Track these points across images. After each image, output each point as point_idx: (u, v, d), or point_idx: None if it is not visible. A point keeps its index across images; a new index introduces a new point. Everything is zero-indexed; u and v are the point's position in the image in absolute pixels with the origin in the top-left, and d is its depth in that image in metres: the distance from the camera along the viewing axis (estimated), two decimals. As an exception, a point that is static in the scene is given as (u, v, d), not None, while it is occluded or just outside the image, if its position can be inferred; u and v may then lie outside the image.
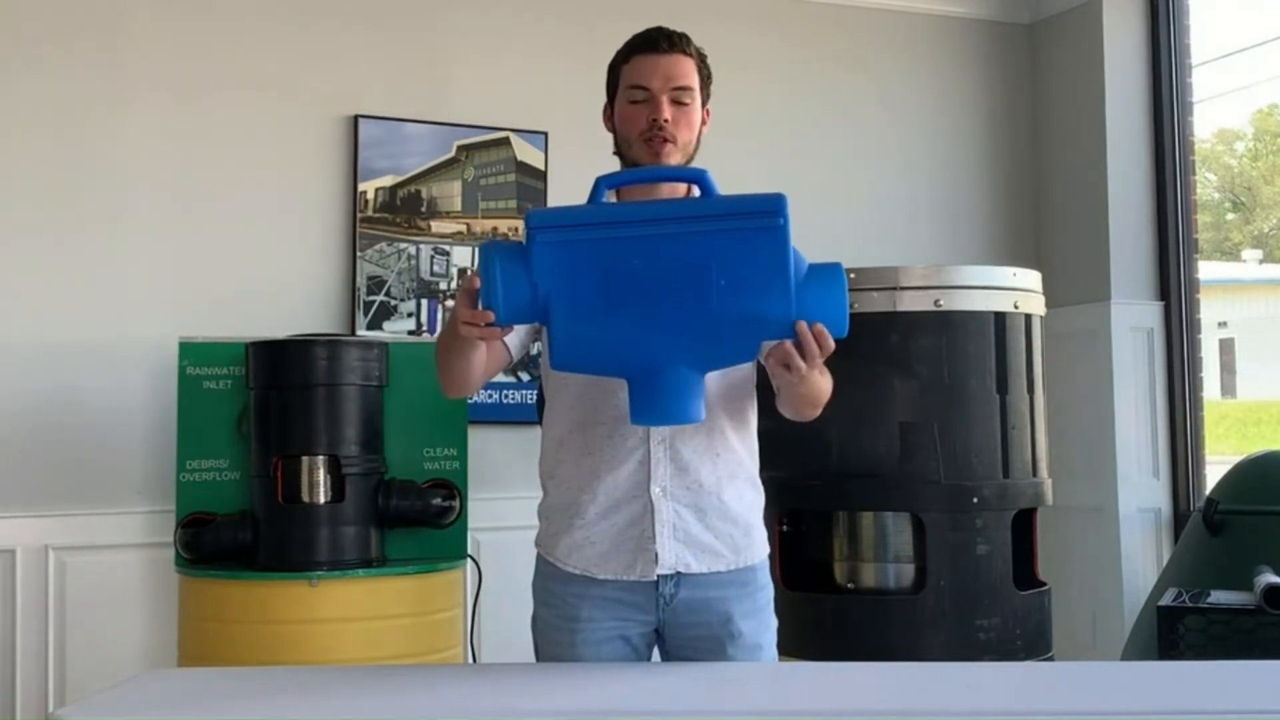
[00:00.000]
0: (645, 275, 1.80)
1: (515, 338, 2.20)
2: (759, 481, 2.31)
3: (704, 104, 2.29)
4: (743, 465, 2.26)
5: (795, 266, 1.82)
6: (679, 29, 2.34)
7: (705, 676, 2.01)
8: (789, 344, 1.90)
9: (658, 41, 2.25)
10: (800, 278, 1.82)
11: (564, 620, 2.21)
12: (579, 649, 2.19)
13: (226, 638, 3.27)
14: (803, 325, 1.87)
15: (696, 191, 1.98)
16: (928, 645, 3.21)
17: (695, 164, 2.26)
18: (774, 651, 2.29)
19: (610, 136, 2.32)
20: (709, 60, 2.32)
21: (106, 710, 1.79)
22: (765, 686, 1.95)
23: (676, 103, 2.23)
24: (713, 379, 2.19)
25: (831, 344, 1.92)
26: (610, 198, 2.00)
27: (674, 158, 2.22)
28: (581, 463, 2.19)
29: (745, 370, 2.25)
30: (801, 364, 1.91)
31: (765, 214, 1.81)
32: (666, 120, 2.20)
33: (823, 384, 2.14)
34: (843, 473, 3.32)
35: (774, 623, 2.30)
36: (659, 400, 1.84)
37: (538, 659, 2.26)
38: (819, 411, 2.21)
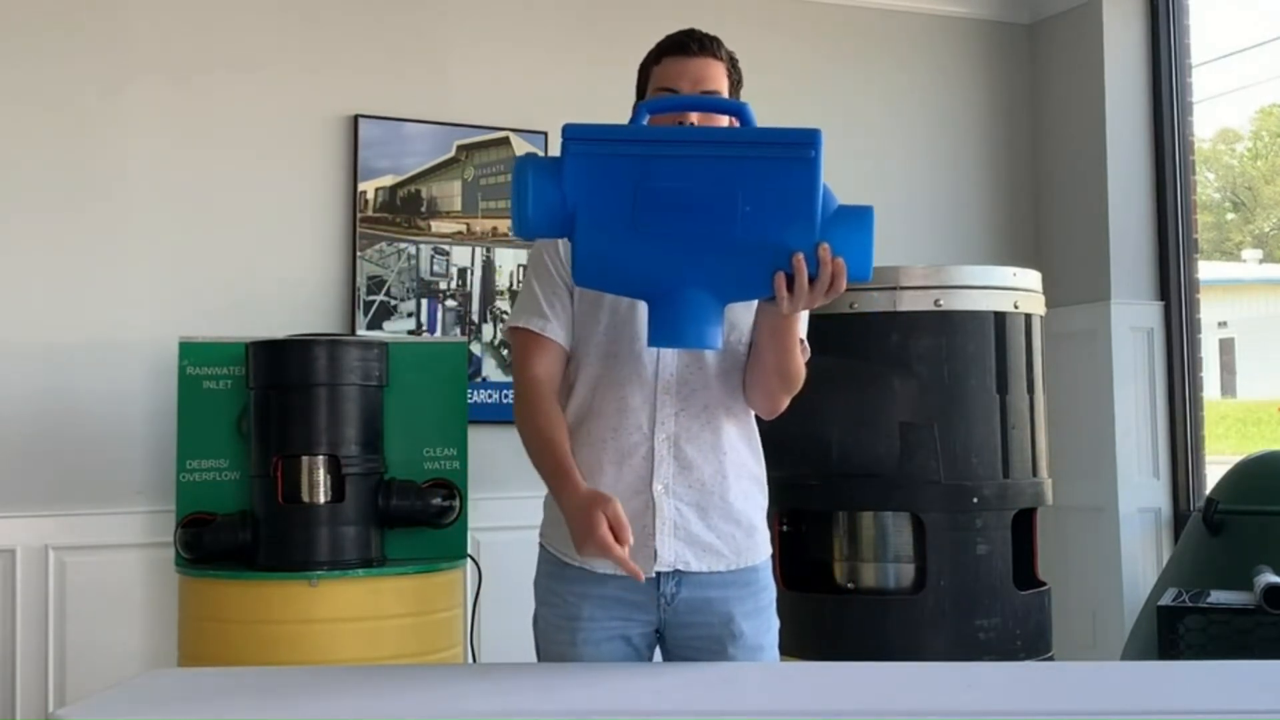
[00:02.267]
0: (672, 194, 1.82)
1: (564, 332, 2.21)
2: (764, 482, 2.31)
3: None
4: (746, 465, 2.26)
5: (824, 204, 1.83)
6: (675, 26, 2.33)
7: (705, 676, 2.01)
8: (799, 260, 1.86)
9: (687, 44, 2.24)
10: (828, 215, 1.84)
11: (565, 619, 2.21)
12: (580, 648, 2.19)
13: (226, 638, 3.27)
14: (825, 248, 1.87)
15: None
16: (928, 645, 3.21)
17: None
18: (775, 653, 2.29)
19: None
20: (739, 68, 2.31)
21: (106, 710, 1.79)
22: (765, 686, 1.95)
23: None
24: (720, 378, 2.20)
25: (844, 285, 1.90)
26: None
27: None
28: (585, 457, 2.19)
29: (748, 339, 2.24)
30: (805, 288, 1.88)
31: (797, 145, 1.84)
32: (694, 124, 2.17)
33: (799, 362, 2.14)
34: (843, 473, 3.32)
35: (776, 623, 2.29)
36: (676, 322, 1.86)
37: (539, 658, 2.26)
38: (788, 398, 2.20)
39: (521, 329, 2.22)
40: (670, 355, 2.19)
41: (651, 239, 1.83)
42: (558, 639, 2.23)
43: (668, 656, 2.25)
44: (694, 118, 2.15)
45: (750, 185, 1.81)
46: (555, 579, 2.24)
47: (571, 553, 2.20)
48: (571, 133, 1.86)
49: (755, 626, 2.23)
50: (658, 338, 1.89)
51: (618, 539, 1.95)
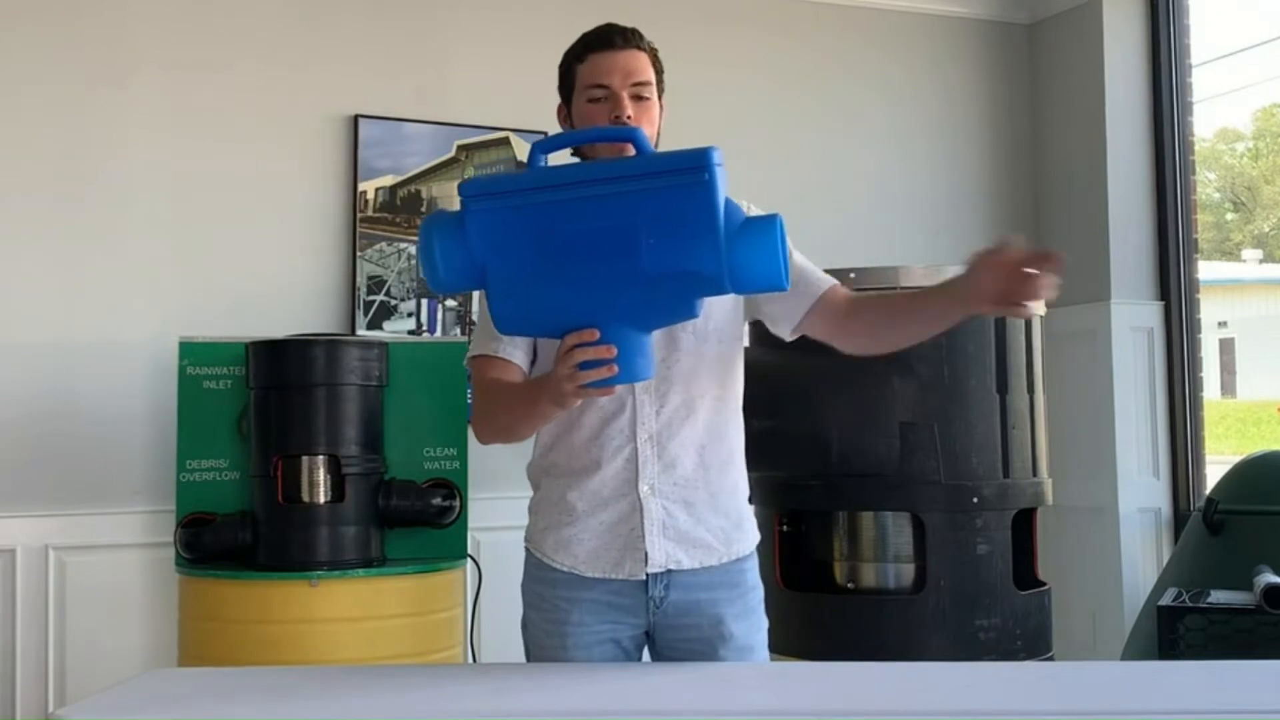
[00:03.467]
0: (575, 237, 1.81)
1: (521, 354, 2.20)
2: (743, 465, 2.30)
3: (659, 97, 2.26)
4: (733, 453, 2.26)
5: (729, 219, 1.81)
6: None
7: (705, 676, 2.01)
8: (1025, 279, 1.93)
9: (612, 39, 2.22)
10: (734, 230, 1.81)
11: (554, 624, 2.20)
12: (570, 653, 2.19)
13: (226, 638, 3.27)
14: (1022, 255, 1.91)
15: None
16: (928, 645, 3.21)
17: None
18: (765, 653, 2.29)
19: None
20: (660, 59, 2.29)
21: (106, 710, 1.79)
22: (764, 686, 1.95)
23: (636, 98, 2.20)
24: (698, 369, 2.19)
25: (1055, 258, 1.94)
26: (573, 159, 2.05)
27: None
28: (570, 461, 2.19)
29: (730, 351, 2.24)
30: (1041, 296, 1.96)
31: (690, 170, 1.81)
32: (629, 116, 2.18)
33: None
34: (843, 473, 3.32)
35: (765, 623, 2.29)
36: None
37: (528, 661, 2.26)
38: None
39: (478, 356, 2.22)
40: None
41: (563, 283, 1.83)
42: (547, 644, 2.22)
43: (657, 659, 2.24)
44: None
45: (650, 216, 1.80)
46: (543, 583, 2.23)
47: (558, 557, 2.20)
48: (468, 189, 1.87)
49: (745, 628, 2.23)
50: (595, 381, 1.86)
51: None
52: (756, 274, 1.83)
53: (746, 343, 2.34)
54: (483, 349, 2.21)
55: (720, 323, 2.22)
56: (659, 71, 2.26)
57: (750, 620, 2.25)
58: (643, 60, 2.22)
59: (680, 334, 2.18)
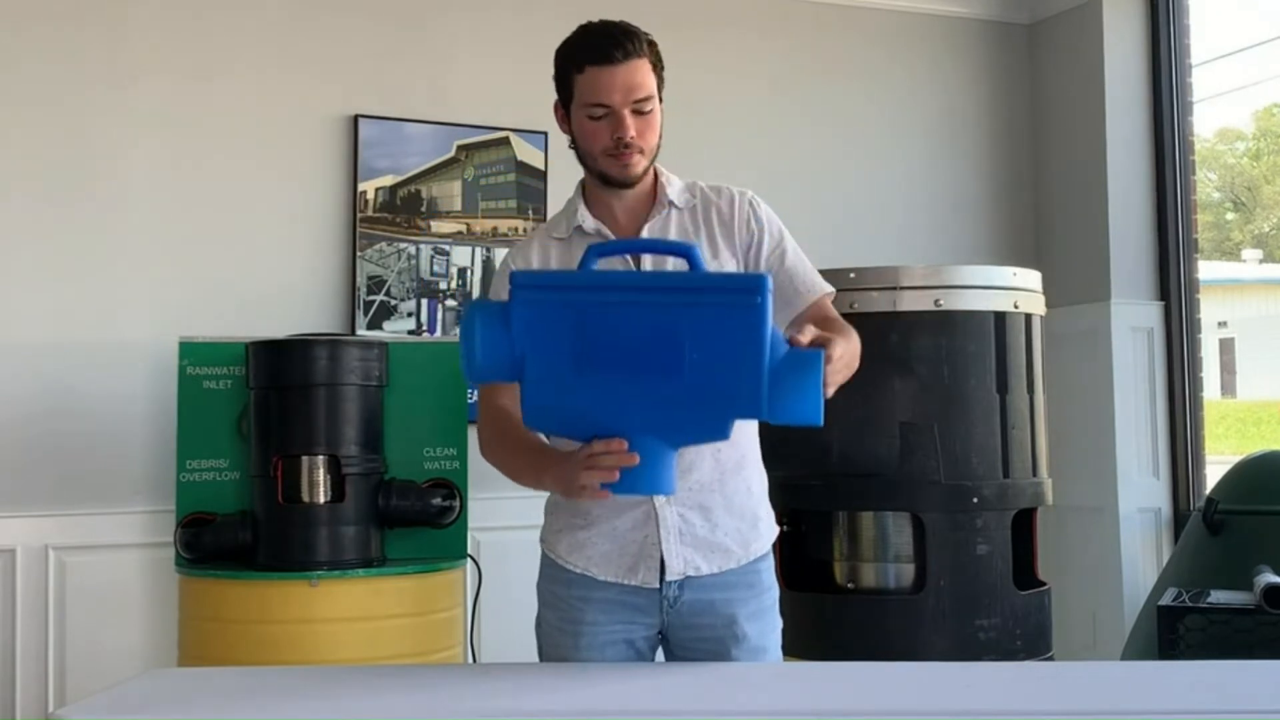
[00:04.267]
0: (618, 341, 1.80)
1: None
2: (761, 464, 2.30)
3: (661, 92, 2.21)
4: (745, 455, 2.26)
5: (773, 348, 1.80)
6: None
7: (705, 676, 2.01)
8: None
9: (611, 53, 2.13)
10: (776, 360, 1.80)
11: (568, 623, 2.20)
12: (582, 652, 2.19)
13: (226, 638, 3.27)
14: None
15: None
16: (928, 645, 3.21)
17: (661, 155, 2.23)
18: (779, 654, 2.29)
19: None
20: (658, 48, 2.22)
21: (106, 710, 1.79)
22: (765, 686, 1.95)
23: (638, 113, 2.15)
24: None
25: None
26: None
27: (641, 166, 2.18)
28: None
29: None
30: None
31: (744, 291, 1.81)
32: (633, 137, 2.14)
33: (853, 351, 2.09)
34: (843, 473, 3.32)
35: (779, 624, 2.29)
36: (630, 470, 1.84)
37: (541, 660, 2.26)
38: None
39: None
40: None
41: (600, 386, 1.81)
42: (560, 642, 2.22)
43: (671, 659, 2.25)
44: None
45: (697, 332, 1.79)
46: (557, 583, 2.24)
47: (571, 559, 2.21)
48: (520, 279, 1.85)
49: (759, 628, 2.23)
50: (613, 485, 1.86)
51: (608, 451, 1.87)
52: (796, 408, 1.81)
53: None
54: None
55: None
56: (659, 69, 2.21)
57: (764, 621, 2.25)
58: (643, 71, 2.15)
59: None
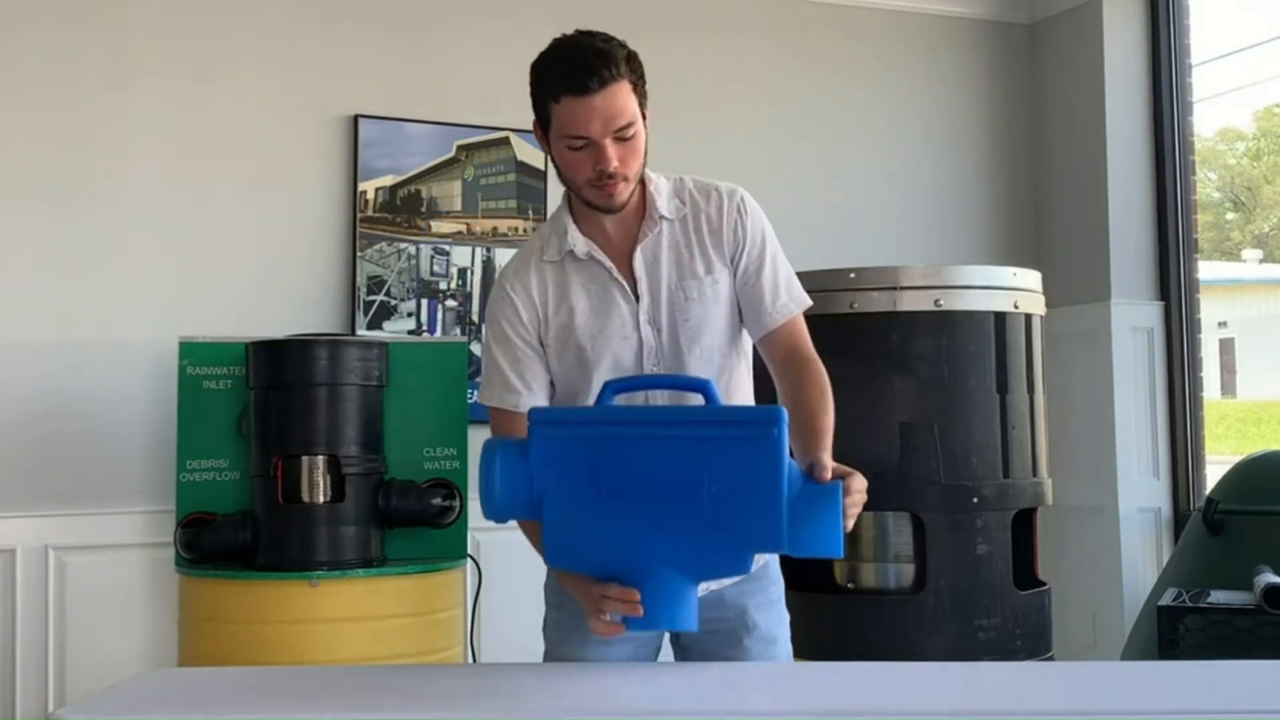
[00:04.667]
0: (637, 476, 1.81)
1: (541, 398, 2.20)
2: None
3: (644, 105, 2.12)
4: None
5: (789, 481, 1.80)
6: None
7: (704, 676, 2.01)
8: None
9: (587, 83, 2.02)
10: (794, 492, 1.81)
11: (575, 622, 2.19)
12: (589, 649, 2.19)
13: (226, 638, 3.27)
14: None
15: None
16: (928, 645, 3.22)
17: (651, 162, 2.18)
18: (789, 646, 2.30)
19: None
20: (637, 58, 2.12)
21: (106, 710, 1.79)
22: (764, 686, 1.95)
23: (620, 139, 2.06)
24: (702, 356, 2.19)
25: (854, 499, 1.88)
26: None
27: (626, 193, 2.12)
28: None
29: (722, 337, 2.22)
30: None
31: (760, 424, 1.81)
32: (615, 168, 2.07)
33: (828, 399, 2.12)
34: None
35: (787, 616, 2.30)
36: (650, 607, 1.83)
37: (547, 659, 2.26)
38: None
39: (498, 410, 2.21)
40: (658, 393, 2.17)
41: (620, 521, 1.82)
42: (567, 640, 2.23)
43: (682, 653, 2.25)
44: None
45: (715, 466, 1.79)
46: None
47: None
48: (538, 416, 1.86)
49: (769, 618, 2.24)
50: (634, 620, 1.86)
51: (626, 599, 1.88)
52: (816, 541, 1.81)
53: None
54: (500, 401, 2.20)
55: (716, 324, 2.22)
56: (640, 87, 2.11)
57: (773, 612, 2.26)
58: (622, 96, 2.05)
59: (684, 352, 2.19)
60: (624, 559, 1.84)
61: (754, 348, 2.28)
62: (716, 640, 2.20)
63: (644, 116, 2.11)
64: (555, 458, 1.83)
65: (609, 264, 2.19)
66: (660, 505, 1.81)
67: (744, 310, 2.23)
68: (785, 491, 1.79)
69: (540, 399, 2.20)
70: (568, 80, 2.05)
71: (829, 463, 1.88)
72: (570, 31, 2.14)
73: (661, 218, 2.20)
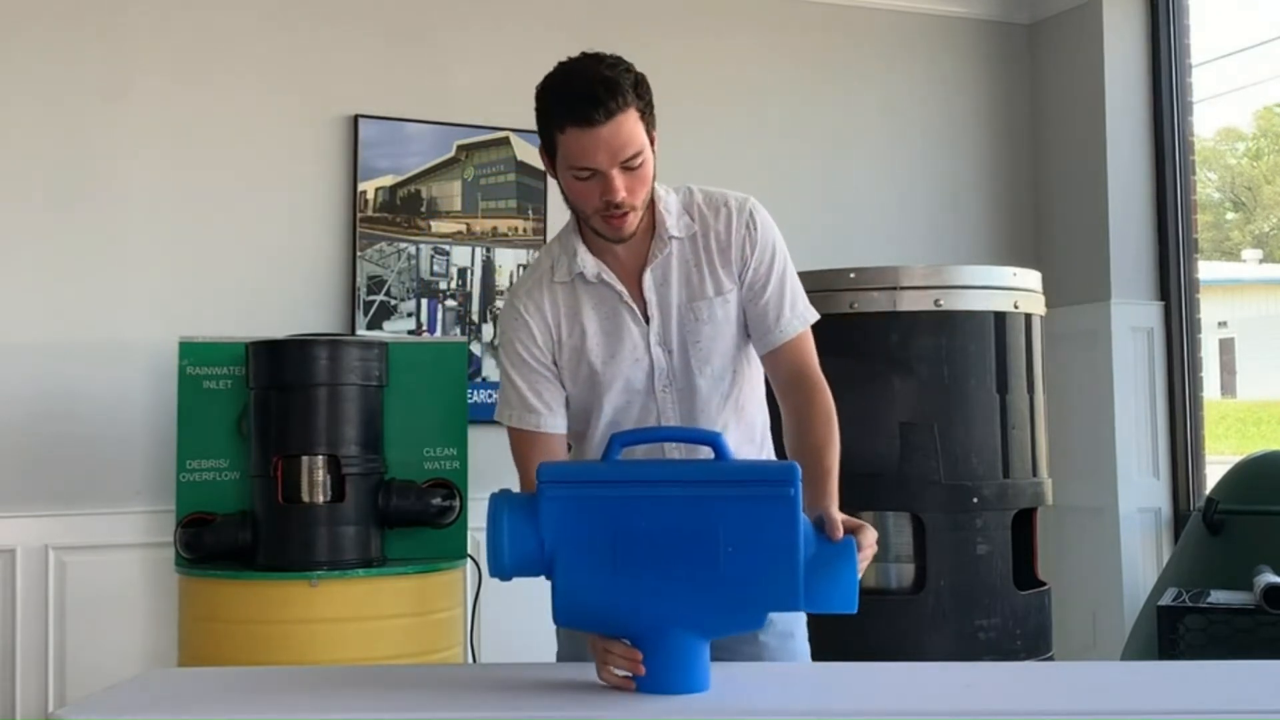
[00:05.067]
0: (651, 536, 1.79)
1: (558, 416, 2.20)
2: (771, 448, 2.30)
3: (652, 129, 2.09)
4: (762, 450, 2.27)
5: (805, 538, 1.80)
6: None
7: (705, 676, 2.01)
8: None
9: (592, 115, 1.99)
10: (809, 549, 1.80)
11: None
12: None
13: (226, 638, 3.27)
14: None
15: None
16: (928, 645, 3.22)
17: (661, 175, 2.17)
18: (806, 643, 2.30)
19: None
20: (645, 82, 2.07)
21: (106, 710, 1.79)
22: (764, 686, 1.94)
23: (627, 169, 2.04)
24: (719, 394, 2.19)
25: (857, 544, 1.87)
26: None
27: (634, 223, 2.10)
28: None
29: (733, 353, 2.22)
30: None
31: (775, 483, 1.80)
32: (623, 199, 2.05)
33: (835, 440, 2.13)
34: (843, 473, 3.31)
35: (803, 615, 2.29)
36: (664, 669, 1.82)
37: (559, 658, 2.25)
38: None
39: (517, 430, 2.20)
40: (670, 409, 2.18)
41: (632, 581, 1.80)
42: (579, 636, 2.21)
43: None
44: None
45: (731, 525, 1.78)
46: None
47: None
48: (547, 475, 1.83)
49: (785, 614, 2.23)
50: (644, 683, 1.83)
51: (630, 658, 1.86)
52: (832, 599, 1.80)
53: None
54: (520, 421, 2.20)
55: (728, 341, 2.21)
56: (648, 115, 2.08)
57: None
58: (629, 125, 2.02)
59: (695, 373, 2.19)
60: (637, 621, 1.82)
61: None
62: (732, 634, 2.17)
63: (652, 141, 2.09)
64: (566, 519, 1.80)
65: (619, 286, 2.18)
66: (675, 566, 1.79)
67: (750, 325, 2.22)
68: (802, 549, 1.78)
69: (559, 417, 2.20)
70: (573, 111, 2.01)
71: (839, 518, 1.87)
72: (575, 54, 2.09)
73: (671, 238, 2.18)
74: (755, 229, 2.20)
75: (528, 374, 2.20)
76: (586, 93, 2.00)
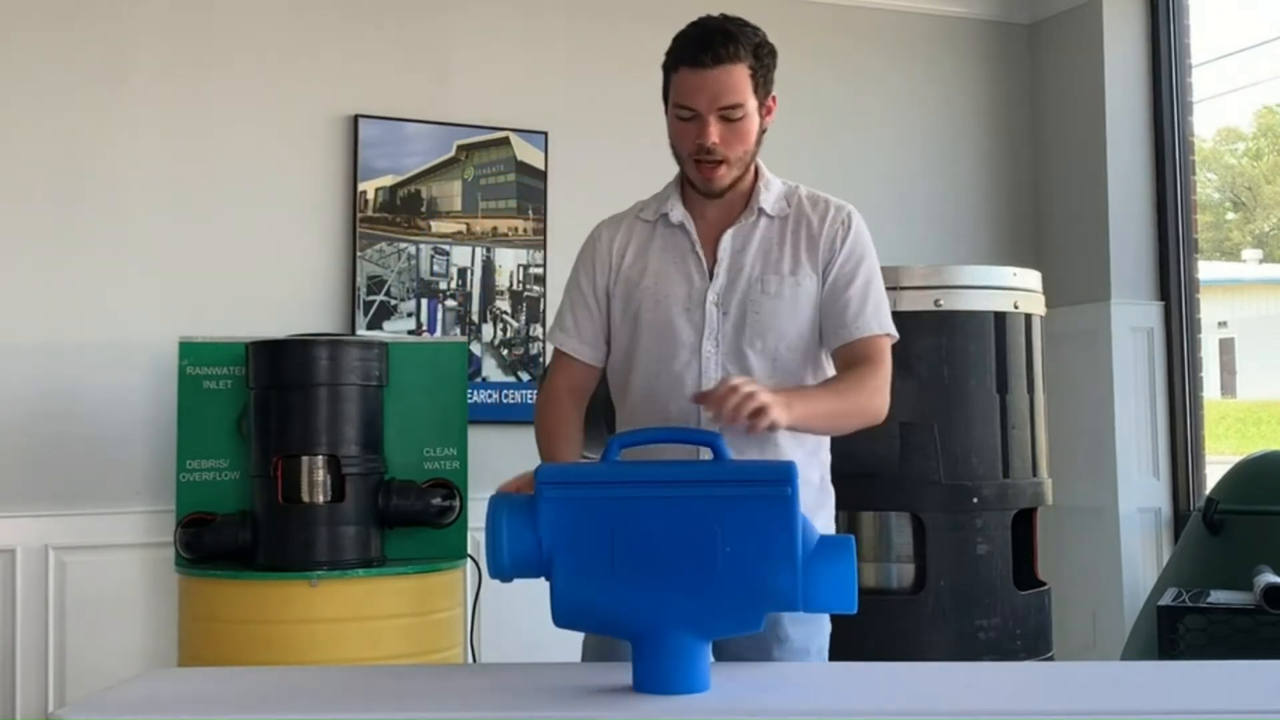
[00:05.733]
0: (650, 536, 1.79)
1: (587, 347, 2.27)
2: (822, 483, 2.29)
3: (765, 97, 2.20)
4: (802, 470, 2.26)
5: (805, 535, 1.80)
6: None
7: (705, 676, 2.01)
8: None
9: (701, 56, 2.13)
10: (809, 549, 1.80)
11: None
12: (621, 647, 2.17)
13: (226, 638, 3.27)
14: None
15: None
16: (928, 645, 3.22)
17: (761, 157, 2.26)
18: (825, 659, 2.26)
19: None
20: (769, 50, 2.19)
21: (106, 710, 1.79)
22: (763, 686, 1.95)
23: (725, 119, 2.15)
24: (763, 352, 2.19)
25: (748, 411, 1.91)
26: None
27: (726, 179, 2.20)
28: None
29: (804, 346, 2.22)
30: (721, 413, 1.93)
31: (773, 483, 1.80)
32: (714, 144, 2.15)
33: (853, 414, 2.13)
34: (843, 473, 3.31)
35: (827, 627, 2.26)
36: (663, 670, 1.82)
37: (584, 658, 2.25)
38: (875, 419, 2.21)
39: (554, 346, 2.33)
40: (712, 371, 2.18)
41: (631, 581, 1.80)
42: (602, 635, 2.20)
43: (715, 656, 2.23)
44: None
45: (729, 525, 1.78)
46: None
47: None
48: (546, 476, 1.85)
49: (804, 632, 2.21)
50: (644, 683, 1.83)
51: None
52: (831, 598, 1.80)
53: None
54: (553, 336, 2.33)
55: (793, 340, 2.22)
56: (760, 75, 2.17)
57: (810, 625, 2.22)
58: (735, 77, 2.13)
59: (745, 344, 2.20)
60: (636, 620, 1.82)
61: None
62: (745, 648, 2.14)
63: (765, 108, 2.19)
64: (565, 520, 1.81)
65: (695, 236, 2.24)
66: (673, 566, 1.79)
67: (823, 319, 2.22)
68: (800, 551, 1.78)
69: (584, 346, 2.29)
70: (687, 52, 2.15)
71: (728, 400, 1.93)
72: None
73: (761, 211, 2.24)
74: (850, 230, 2.26)
75: (575, 297, 2.31)
76: (703, 37, 2.15)
